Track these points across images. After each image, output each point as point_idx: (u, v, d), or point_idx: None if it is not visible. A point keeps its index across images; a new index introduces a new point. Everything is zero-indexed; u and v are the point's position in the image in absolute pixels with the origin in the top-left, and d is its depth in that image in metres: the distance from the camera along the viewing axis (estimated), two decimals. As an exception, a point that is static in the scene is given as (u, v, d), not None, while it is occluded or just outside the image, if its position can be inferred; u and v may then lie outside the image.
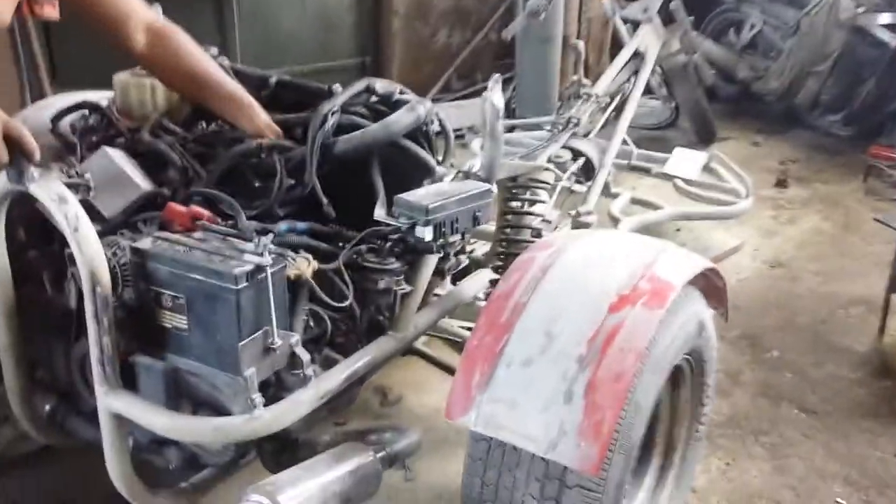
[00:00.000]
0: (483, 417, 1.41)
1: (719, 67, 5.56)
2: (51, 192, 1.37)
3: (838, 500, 2.10)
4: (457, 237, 1.61)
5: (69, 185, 1.45)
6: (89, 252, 1.37)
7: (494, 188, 1.67)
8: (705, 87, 5.00)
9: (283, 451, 1.68)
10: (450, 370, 2.08)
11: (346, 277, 1.57)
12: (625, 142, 3.39)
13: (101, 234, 1.55)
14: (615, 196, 3.07)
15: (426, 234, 1.54)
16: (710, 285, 1.74)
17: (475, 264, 2.11)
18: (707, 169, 3.47)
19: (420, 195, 1.57)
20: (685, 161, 3.49)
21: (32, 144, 1.34)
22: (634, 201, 3.18)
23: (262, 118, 1.76)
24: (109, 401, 1.46)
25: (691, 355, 1.68)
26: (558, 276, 1.51)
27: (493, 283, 2.06)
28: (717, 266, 1.68)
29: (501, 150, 1.68)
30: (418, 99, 1.74)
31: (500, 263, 1.99)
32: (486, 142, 1.66)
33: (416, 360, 2.61)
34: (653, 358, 1.43)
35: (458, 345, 2.26)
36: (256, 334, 1.41)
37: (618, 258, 1.55)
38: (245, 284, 1.36)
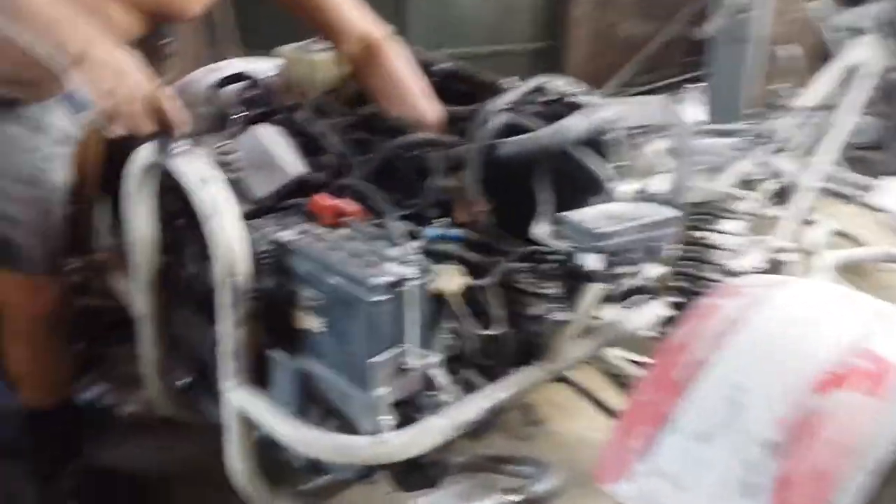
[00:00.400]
0: (640, 492, 1.19)
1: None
2: (192, 170, 1.28)
3: None
4: (629, 269, 1.39)
5: (215, 163, 1.35)
6: (226, 240, 1.27)
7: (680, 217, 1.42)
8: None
9: (412, 469, 1.54)
10: (599, 404, 1.86)
11: (500, 299, 1.38)
12: (828, 165, 2.98)
13: (250, 216, 1.47)
14: (811, 224, 2.70)
15: (591, 262, 1.33)
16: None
17: (646, 289, 1.87)
18: (921, 206, 3.01)
19: (590, 216, 1.36)
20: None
21: (177, 117, 1.25)
22: (835, 233, 2.78)
23: (426, 107, 1.61)
24: (236, 397, 1.37)
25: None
26: (750, 334, 1.25)
27: (668, 320, 1.82)
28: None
29: (692, 172, 1.43)
30: (598, 102, 1.52)
31: (675, 299, 1.74)
32: (676, 161, 1.42)
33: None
34: (865, 456, 1.15)
35: (612, 375, 2.03)
36: (391, 352, 1.26)
37: (827, 322, 1.27)
38: (383, 296, 1.21)
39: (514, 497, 1.46)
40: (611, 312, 1.79)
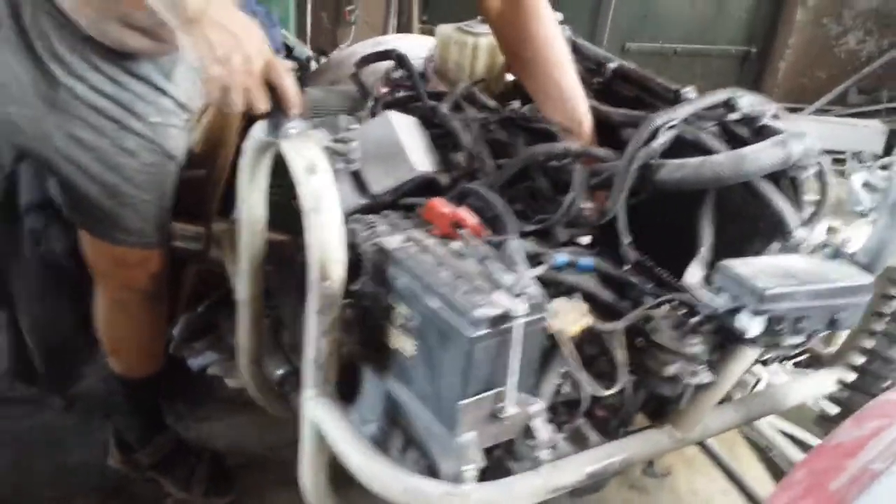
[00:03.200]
0: None
1: None
2: (302, 156, 1.15)
3: None
4: (797, 340, 1.11)
5: (332, 151, 1.22)
6: (324, 239, 1.13)
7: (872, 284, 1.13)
8: None
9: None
10: (736, 480, 1.58)
11: (623, 353, 1.16)
12: None
13: (365, 210, 1.33)
14: None
15: (752, 327, 1.07)
16: None
17: (817, 356, 1.57)
18: None
19: (758, 268, 1.09)
20: None
21: (292, 95, 1.12)
22: None
23: (581, 114, 1.40)
24: (313, 409, 1.24)
25: None
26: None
27: (844, 392, 1.50)
28: None
29: (903, 231, 1.12)
30: (796, 131, 1.23)
31: (852, 377, 1.42)
32: (883, 215, 1.12)
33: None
34: None
35: (756, 446, 1.74)
36: (486, 394, 1.08)
37: None
38: (484, 331, 1.03)
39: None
40: (770, 376, 1.52)
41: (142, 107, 1.36)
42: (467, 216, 1.19)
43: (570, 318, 1.15)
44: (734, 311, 1.09)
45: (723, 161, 1.19)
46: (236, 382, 2.14)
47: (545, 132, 1.40)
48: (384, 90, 1.56)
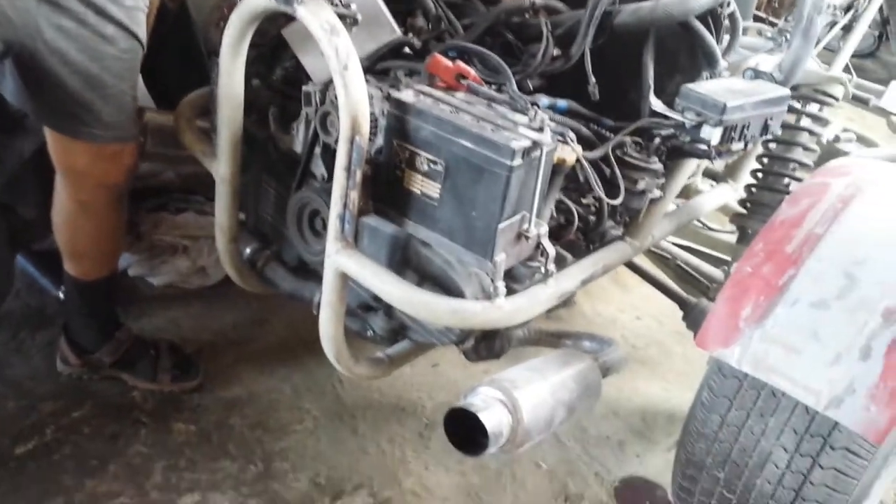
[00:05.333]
0: (751, 356, 1.24)
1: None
2: (322, 19, 1.22)
3: None
4: (740, 146, 1.40)
5: (338, 16, 1.29)
6: (355, 96, 1.22)
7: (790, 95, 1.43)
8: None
9: (480, 340, 1.57)
10: (656, 284, 1.91)
11: (616, 169, 1.38)
12: (847, 68, 3.01)
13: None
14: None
15: (714, 136, 1.33)
16: None
17: (711, 178, 1.90)
18: (926, 110, 3.07)
19: (713, 89, 1.35)
20: (904, 96, 3.10)
21: None
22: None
23: None
24: (342, 259, 1.35)
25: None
26: (865, 210, 1.30)
27: (743, 203, 1.85)
28: None
29: (810, 52, 1.43)
30: (721, -25, 1.48)
31: (755, 182, 1.77)
32: (796, 38, 1.41)
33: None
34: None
35: (660, 258, 2.09)
36: (515, 218, 1.26)
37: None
38: (520, 161, 1.20)
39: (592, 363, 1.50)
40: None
41: None
42: (469, 68, 1.33)
43: (567, 149, 1.34)
44: (698, 125, 1.34)
45: (672, 2, 1.41)
46: (161, 279, 2.14)
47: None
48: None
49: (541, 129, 1.23)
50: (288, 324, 2.09)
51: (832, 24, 3.00)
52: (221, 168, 1.53)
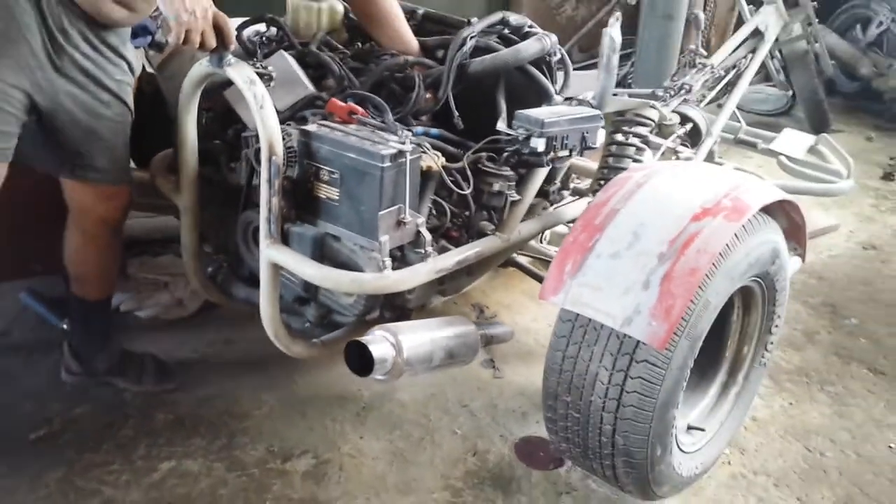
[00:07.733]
0: (571, 297, 1.67)
1: (842, 62, 5.65)
2: (243, 75, 1.72)
3: (891, 445, 2.26)
4: (565, 153, 1.88)
5: (257, 73, 1.80)
6: (270, 126, 1.72)
7: (602, 115, 1.92)
8: (824, 79, 5.04)
9: (399, 318, 2.01)
10: (534, 276, 2.37)
11: (469, 174, 1.86)
12: (735, 117, 3.52)
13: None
14: (719, 165, 3.23)
15: (539, 145, 1.81)
16: (791, 224, 1.96)
17: (578, 195, 2.38)
18: (813, 151, 3.54)
19: (539, 112, 1.85)
20: (792, 140, 3.57)
21: (232, 35, 1.68)
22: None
23: (413, 43, 2.08)
24: (271, 252, 1.80)
25: (763, 280, 1.90)
26: (650, 190, 1.75)
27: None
28: (796, 202, 1.89)
29: (614, 82, 1.93)
30: (545, 33, 2.01)
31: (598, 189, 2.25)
32: (601, 73, 1.92)
33: (512, 284, 2.91)
34: (726, 264, 1.66)
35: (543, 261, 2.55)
36: (392, 208, 1.72)
37: (706, 181, 1.78)
38: (389, 164, 1.67)
39: (480, 331, 1.93)
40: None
41: (111, 68, 1.84)
42: (357, 106, 1.83)
43: (429, 158, 1.81)
44: (528, 138, 1.83)
45: (507, 53, 1.93)
46: (147, 312, 2.60)
47: (389, 57, 2.06)
48: (263, 44, 2.12)
49: (404, 143, 1.71)
50: (251, 342, 2.50)
51: (718, 80, 3.56)
52: (184, 199, 2.02)
